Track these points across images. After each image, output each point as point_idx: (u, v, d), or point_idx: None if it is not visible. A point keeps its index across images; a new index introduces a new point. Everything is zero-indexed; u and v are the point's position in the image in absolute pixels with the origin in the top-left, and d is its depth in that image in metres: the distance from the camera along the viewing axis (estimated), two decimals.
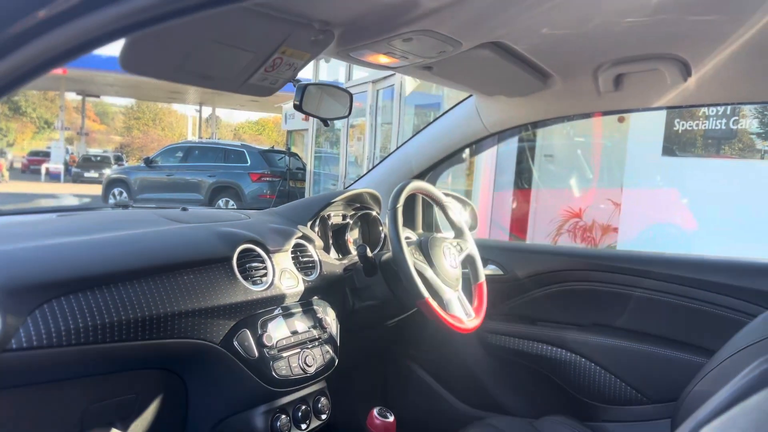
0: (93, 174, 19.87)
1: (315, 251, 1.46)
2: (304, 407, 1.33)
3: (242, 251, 1.26)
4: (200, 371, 1.20)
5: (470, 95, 1.72)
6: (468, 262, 1.61)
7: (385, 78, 6.45)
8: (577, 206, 6.13)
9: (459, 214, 1.68)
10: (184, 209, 1.51)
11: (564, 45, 1.29)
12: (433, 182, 2.01)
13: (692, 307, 1.55)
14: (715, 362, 1.35)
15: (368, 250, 1.49)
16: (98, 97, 26.97)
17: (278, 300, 1.29)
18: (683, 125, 5.01)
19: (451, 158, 1.83)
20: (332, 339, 1.41)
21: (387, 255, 1.54)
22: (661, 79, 1.38)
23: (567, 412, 1.65)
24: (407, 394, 1.93)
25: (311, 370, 1.31)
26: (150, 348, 1.06)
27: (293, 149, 12.87)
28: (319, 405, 1.38)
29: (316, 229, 1.58)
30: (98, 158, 22.79)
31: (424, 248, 1.49)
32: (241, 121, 44.56)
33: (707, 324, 1.53)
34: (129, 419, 1.14)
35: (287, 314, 1.32)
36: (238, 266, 1.23)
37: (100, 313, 0.98)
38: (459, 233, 1.66)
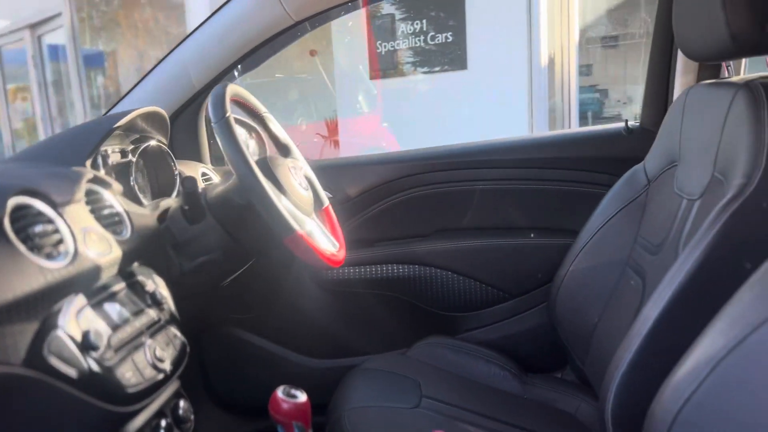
0: None
1: (114, 199, 0.97)
2: (164, 422, 0.89)
3: (15, 209, 0.73)
4: None
5: None
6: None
7: (47, 21, 5.28)
8: None
9: (278, 129, 1.32)
10: None
11: None
12: None
13: (542, 189, 1.48)
14: (585, 237, 1.29)
15: (198, 184, 1.05)
16: None
17: (90, 277, 0.80)
18: (385, 47, 5.16)
19: (244, 62, 1.42)
20: (174, 317, 0.96)
21: (217, 191, 1.12)
22: None
23: (436, 331, 1.48)
24: (241, 368, 1.54)
25: (166, 366, 0.86)
26: None
27: None
28: (180, 412, 0.94)
29: (102, 170, 1.07)
30: None
31: (267, 170, 1.11)
32: None
33: (562, 203, 1.47)
34: None
35: (108, 296, 0.83)
36: (15, 234, 0.71)
37: None
38: (286, 151, 1.31)
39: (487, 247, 1.49)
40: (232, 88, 1.10)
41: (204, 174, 1.43)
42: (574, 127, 5.78)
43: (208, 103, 1.04)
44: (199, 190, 1.09)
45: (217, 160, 1.60)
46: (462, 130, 4.64)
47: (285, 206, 1.07)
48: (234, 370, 1.54)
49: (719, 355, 0.65)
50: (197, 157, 1.53)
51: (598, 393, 1.21)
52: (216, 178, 1.45)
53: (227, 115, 1.01)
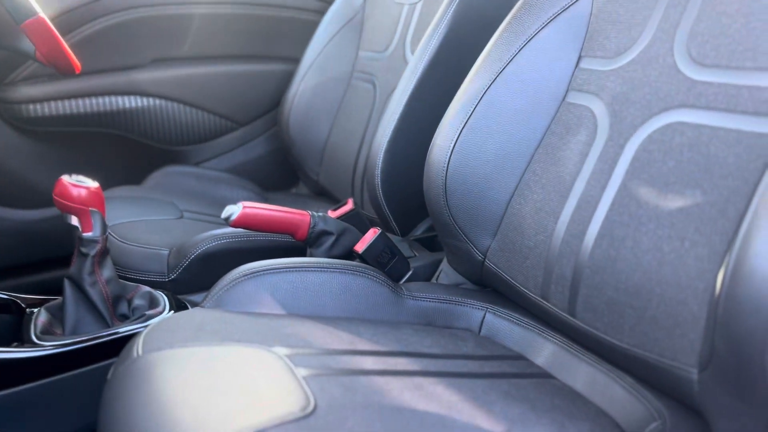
0: None
1: None
2: None
3: None
4: None
5: None
6: None
7: None
8: None
9: None
10: None
11: None
12: None
13: (260, 15, 1.48)
14: (309, 59, 1.40)
15: None
16: None
17: None
18: None
19: None
20: None
21: None
22: None
23: (159, 164, 1.42)
24: None
25: None
26: None
27: None
28: None
29: None
30: None
31: None
32: None
33: (281, 30, 1.50)
34: None
35: None
36: None
37: None
38: None
39: (212, 75, 1.46)
40: None
41: None
42: None
43: None
44: None
45: None
46: None
47: None
48: None
49: (484, 87, 0.82)
50: None
51: (336, 194, 1.35)
52: None
53: None
